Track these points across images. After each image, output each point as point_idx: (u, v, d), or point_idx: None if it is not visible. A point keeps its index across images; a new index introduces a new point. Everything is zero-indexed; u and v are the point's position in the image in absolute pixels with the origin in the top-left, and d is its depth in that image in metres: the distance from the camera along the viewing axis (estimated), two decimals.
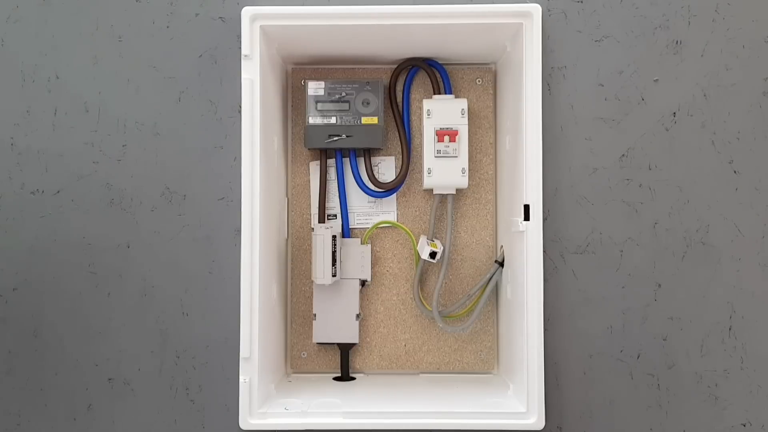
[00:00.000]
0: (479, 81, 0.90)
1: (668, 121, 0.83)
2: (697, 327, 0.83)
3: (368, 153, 0.89)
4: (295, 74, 0.90)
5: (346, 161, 0.90)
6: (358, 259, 0.88)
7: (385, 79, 0.89)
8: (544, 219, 0.78)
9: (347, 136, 0.87)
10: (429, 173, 0.86)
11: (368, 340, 0.90)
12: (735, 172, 0.83)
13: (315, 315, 0.88)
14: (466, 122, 0.86)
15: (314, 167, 0.90)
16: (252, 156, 0.75)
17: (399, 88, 0.90)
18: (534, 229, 0.75)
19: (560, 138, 0.83)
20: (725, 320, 0.83)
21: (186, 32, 0.84)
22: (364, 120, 0.86)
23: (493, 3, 0.79)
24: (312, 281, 0.86)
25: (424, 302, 0.89)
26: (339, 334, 0.88)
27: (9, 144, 0.84)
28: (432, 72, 0.88)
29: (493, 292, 0.88)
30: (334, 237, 0.85)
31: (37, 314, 0.84)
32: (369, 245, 0.89)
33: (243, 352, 0.74)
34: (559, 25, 0.83)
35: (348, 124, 0.86)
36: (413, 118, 0.90)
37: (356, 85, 0.87)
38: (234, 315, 0.75)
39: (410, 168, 0.89)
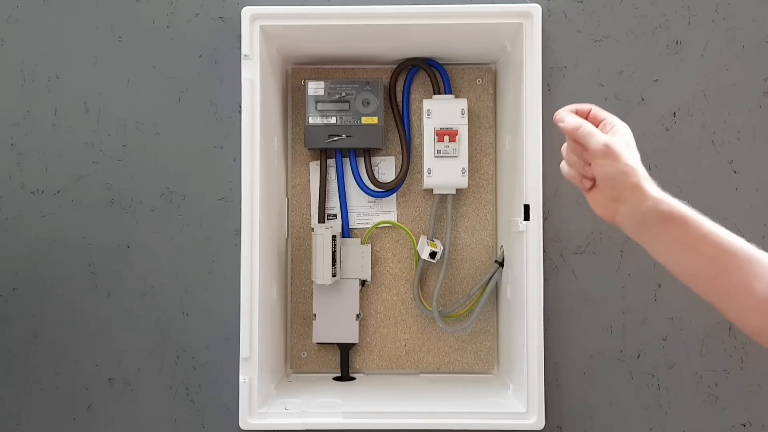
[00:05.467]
0: (479, 81, 0.90)
1: (668, 121, 0.83)
2: (697, 327, 0.83)
3: (368, 153, 0.89)
4: (295, 74, 0.90)
5: (346, 161, 0.90)
6: (358, 259, 0.88)
7: (385, 79, 0.89)
8: (544, 219, 0.78)
9: (347, 136, 0.86)
10: (429, 173, 0.86)
11: (368, 340, 0.90)
12: (735, 172, 0.83)
13: (315, 315, 0.88)
14: (466, 122, 0.86)
15: (314, 167, 0.90)
16: (252, 156, 0.75)
17: (399, 88, 0.90)
18: (534, 229, 0.75)
19: (560, 138, 0.83)
20: (725, 320, 0.81)
21: (186, 32, 0.84)
22: (364, 120, 0.86)
23: (493, 3, 0.79)
24: (312, 281, 0.86)
25: (424, 302, 0.89)
26: (339, 334, 0.88)
27: (9, 144, 0.84)
28: (432, 72, 0.88)
29: (493, 292, 0.88)
30: (334, 237, 0.85)
31: (37, 314, 0.84)
32: (369, 245, 0.89)
33: (243, 352, 0.74)
34: (559, 25, 0.83)
35: (348, 124, 0.86)
36: (413, 118, 0.90)
37: (356, 85, 0.87)
38: (234, 315, 0.75)
39: (410, 168, 0.89)
